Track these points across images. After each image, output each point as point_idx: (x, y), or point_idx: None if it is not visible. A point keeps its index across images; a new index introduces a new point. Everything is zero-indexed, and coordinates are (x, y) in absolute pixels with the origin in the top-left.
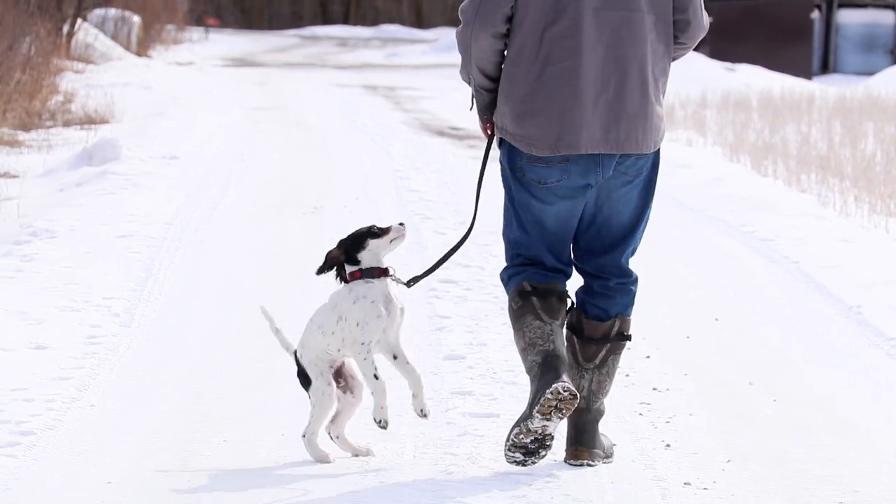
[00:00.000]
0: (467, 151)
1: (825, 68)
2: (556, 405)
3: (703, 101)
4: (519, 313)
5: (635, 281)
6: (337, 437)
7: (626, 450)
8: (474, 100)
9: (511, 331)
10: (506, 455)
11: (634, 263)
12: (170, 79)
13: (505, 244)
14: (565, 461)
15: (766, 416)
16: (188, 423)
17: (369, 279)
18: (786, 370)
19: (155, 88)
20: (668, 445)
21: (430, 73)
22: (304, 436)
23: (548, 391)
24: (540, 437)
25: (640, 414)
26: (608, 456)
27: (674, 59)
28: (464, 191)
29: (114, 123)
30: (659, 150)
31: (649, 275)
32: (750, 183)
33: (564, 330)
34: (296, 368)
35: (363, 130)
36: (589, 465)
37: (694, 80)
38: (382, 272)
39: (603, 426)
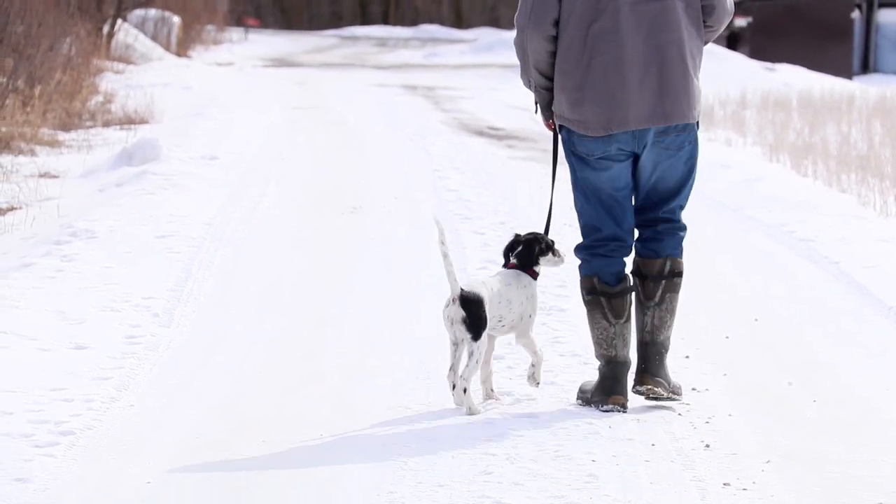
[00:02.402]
0: (506, 151)
1: (865, 68)
2: (611, 412)
3: (742, 101)
4: (589, 306)
5: (683, 227)
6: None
7: (666, 450)
8: (537, 102)
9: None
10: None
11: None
12: (209, 79)
13: (577, 216)
14: (632, 389)
15: (805, 417)
16: (227, 424)
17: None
18: (826, 371)
19: (195, 89)
20: (707, 446)
21: (469, 72)
22: (462, 389)
23: (604, 406)
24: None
25: (680, 414)
26: (674, 392)
27: (705, 42)
28: (503, 191)
29: (153, 124)
30: (697, 125)
31: (688, 274)
32: (790, 183)
33: (630, 277)
34: (461, 314)
35: (402, 130)
36: (652, 391)
37: (733, 80)
38: (536, 275)
39: (643, 425)
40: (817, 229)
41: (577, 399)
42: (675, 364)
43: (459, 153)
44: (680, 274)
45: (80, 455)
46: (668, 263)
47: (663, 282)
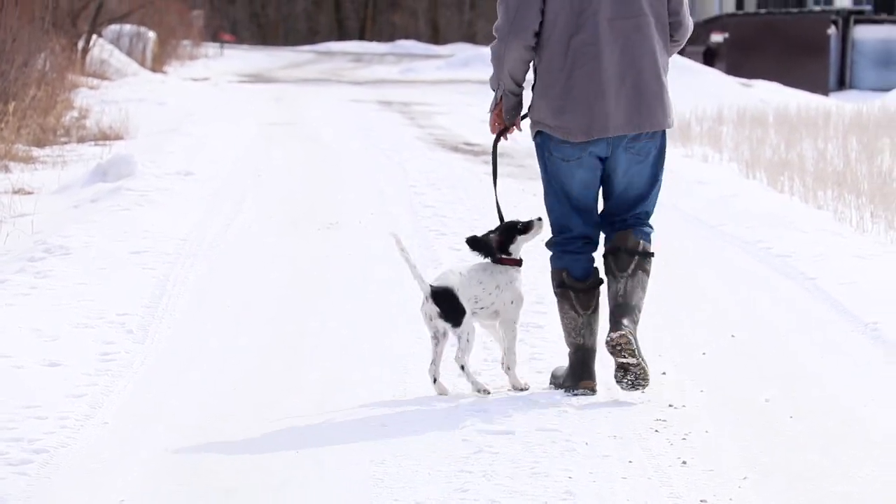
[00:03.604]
0: (482, 167)
1: (842, 84)
2: (580, 395)
3: (719, 117)
4: (559, 297)
5: (651, 227)
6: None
7: (643, 466)
8: (501, 101)
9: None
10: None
11: (652, 276)
12: (185, 94)
13: (547, 213)
14: (605, 342)
15: (783, 433)
16: (202, 441)
17: (517, 267)
18: (803, 386)
19: (170, 104)
20: (684, 462)
21: (445, 88)
22: (462, 367)
23: (575, 390)
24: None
25: (657, 431)
26: (642, 358)
27: (670, 55)
28: (479, 207)
29: (128, 139)
30: (665, 133)
31: (665, 290)
32: (766, 199)
33: (598, 272)
34: (435, 309)
35: (378, 146)
36: (625, 340)
37: (710, 96)
38: (519, 263)
39: (620, 442)
40: (794, 245)
41: (550, 384)
42: (652, 379)
43: (435, 169)
44: (650, 255)
45: (53, 473)
46: (641, 244)
47: (636, 257)
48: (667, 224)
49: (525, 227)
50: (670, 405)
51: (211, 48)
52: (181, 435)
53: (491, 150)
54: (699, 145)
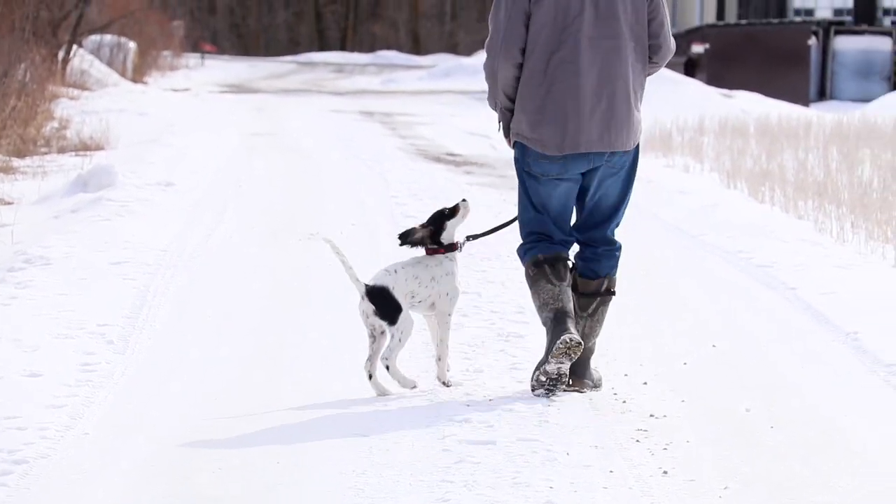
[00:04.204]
0: (464, 178)
1: (822, 95)
2: (566, 351)
3: (700, 128)
4: (534, 279)
5: (619, 248)
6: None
7: (623, 476)
8: (501, 122)
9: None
10: (533, 391)
11: (633, 286)
12: (166, 105)
13: (520, 225)
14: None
15: (763, 443)
16: (183, 452)
17: (450, 254)
18: (783, 396)
19: (151, 115)
20: (665, 472)
21: (426, 99)
22: (385, 366)
23: (559, 341)
24: (555, 376)
25: (637, 441)
26: (597, 386)
27: (649, 75)
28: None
29: (109, 150)
30: (638, 147)
31: (646, 300)
32: (747, 209)
33: (568, 256)
34: (371, 307)
35: (359, 156)
36: (578, 391)
37: (691, 107)
38: (453, 247)
39: (601, 452)
40: (775, 255)
41: (532, 380)
42: (633, 390)
43: (417, 179)
44: (613, 292)
45: (33, 484)
46: (606, 282)
47: (598, 298)
48: (647, 234)
49: (452, 212)
50: (651, 415)
51: (192, 59)
52: (162, 446)
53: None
54: (680, 155)
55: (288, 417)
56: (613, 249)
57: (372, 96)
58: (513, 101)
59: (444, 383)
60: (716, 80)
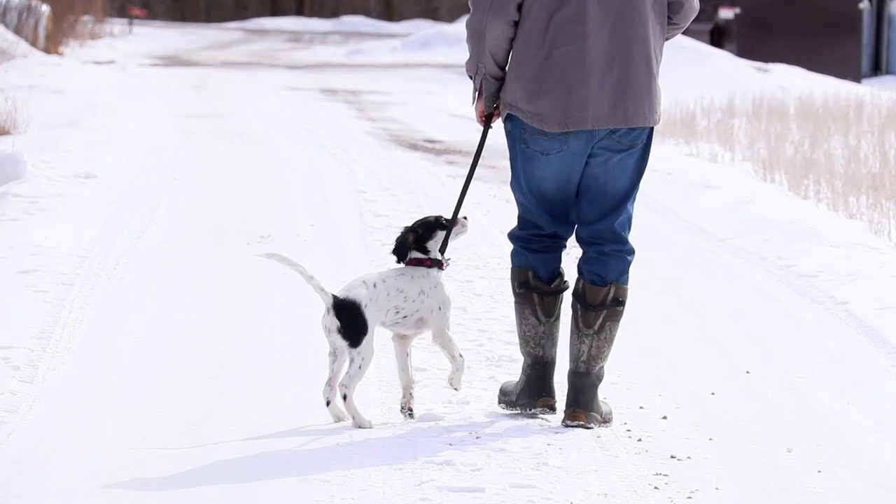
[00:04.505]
0: (446, 168)
1: (877, 69)
2: (539, 415)
3: (730, 109)
4: (520, 303)
5: (631, 251)
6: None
7: None
8: (480, 90)
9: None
10: (498, 403)
11: (649, 300)
12: (86, 81)
13: (517, 204)
14: (563, 423)
15: (808, 490)
16: (102, 499)
17: (438, 269)
18: (833, 435)
19: (68, 92)
20: None
21: (401, 74)
22: (342, 395)
23: (532, 409)
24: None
25: (656, 487)
26: (606, 421)
27: (667, 39)
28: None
29: (16, 135)
30: (652, 129)
31: (666, 316)
32: (787, 207)
33: (571, 298)
34: (336, 323)
35: (321, 143)
36: (584, 426)
37: (719, 83)
38: (438, 264)
39: (611, 502)
40: (821, 263)
41: (500, 403)
42: (650, 426)
43: (390, 171)
44: (623, 302)
45: None
46: (613, 290)
47: (605, 311)
48: (666, 237)
49: (448, 223)
50: (672, 456)
51: (117, 25)
52: (73, 490)
53: (476, 147)
54: (706, 142)
55: (230, 456)
56: (623, 251)
57: (335, 71)
58: (501, 67)
59: (455, 389)
60: (748, 51)
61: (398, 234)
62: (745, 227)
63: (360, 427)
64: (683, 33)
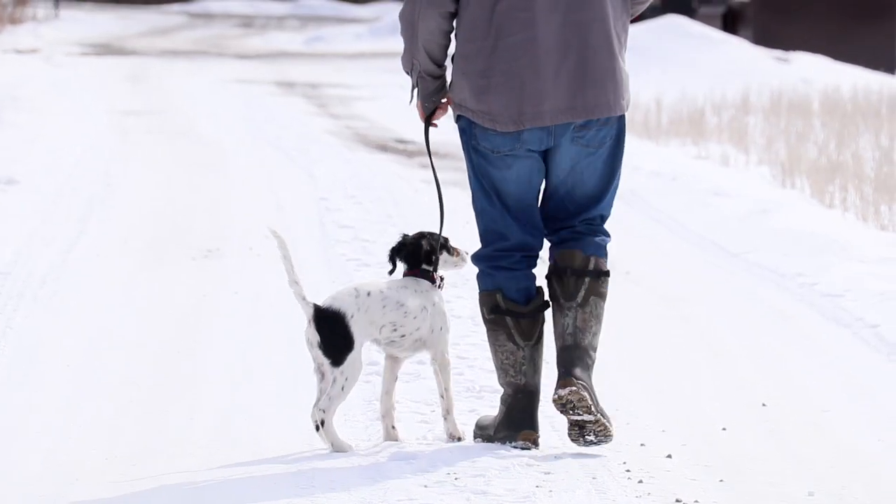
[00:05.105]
0: (419, 173)
1: None
2: (524, 447)
3: (744, 104)
4: (491, 326)
5: (607, 234)
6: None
7: None
8: (416, 90)
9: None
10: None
11: (652, 322)
12: (6, 72)
13: (476, 218)
14: (553, 400)
15: None
16: None
17: (439, 286)
18: (861, 476)
19: None
20: None
21: (367, 64)
22: (320, 420)
23: (513, 443)
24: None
25: None
26: (602, 414)
27: (632, 16)
28: (415, 227)
29: None
30: (623, 118)
31: (671, 342)
32: (809, 216)
33: (543, 293)
34: (317, 337)
35: (276, 144)
36: (578, 394)
37: (733, 75)
38: (438, 281)
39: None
40: (848, 280)
41: (476, 438)
42: (653, 465)
43: (355, 175)
44: (606, 274)
45: None
46: (593, 261)
47: (587, 279)
48: (672, 250)
49: (450, 248)
50: (678, 500)
51: (41, 8)
52: None
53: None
54: (717, 142)
55: (173, 500)
56: (598, 231)
57: (292, 60)
58: (438, 63)
59: (457, 438)
60: (766, 38)
61: (407, 237)
62: (760, 241)
63: (338, 451)
64: (691, 17)
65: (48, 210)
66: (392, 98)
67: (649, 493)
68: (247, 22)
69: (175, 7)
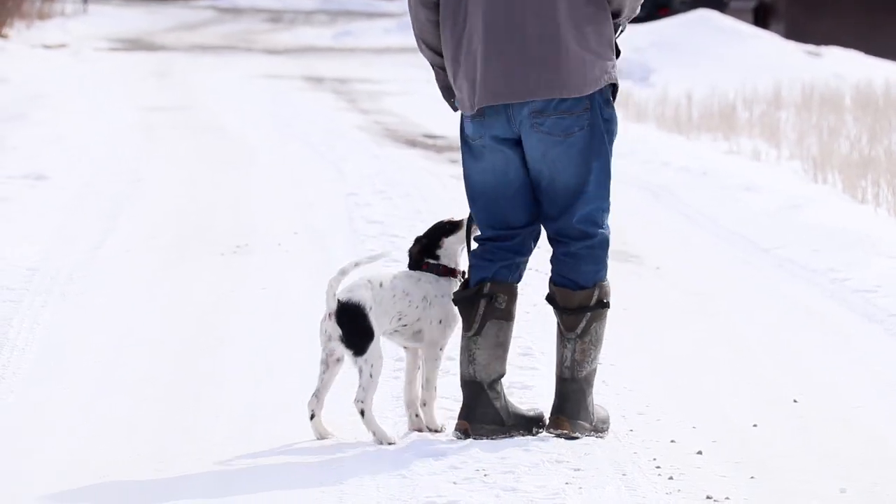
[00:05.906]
0: (448, 168)
1: None
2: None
3: (775, 99)
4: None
5: (604, 242)
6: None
7: None
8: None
9: None
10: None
11: (681, 318)
12: (34, 68)
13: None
14: (546, 431)
15: None
16: None
17: (450, 277)
18: (893, 472)
19: (13, 82)
20: None
21: (395, 59)
22: (360, 412)
23: (457, 433)
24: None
25: None
26: (598, 430)
27: (616, 11)
28: None
29: None
30: (601, 104)
31: (700, 338)
32: (841, 212)
33: (487, 285)
34: (338, 331)
35: (304, 139)
36: (569, 436)
37: (764, 69)
38: (453, 273)
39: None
40: (880, 276)
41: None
42: (683, 462)
43: (383, 170)
44: (608, 303)
45: None
46: (596, 293)
47: (589, 314)
48: (701, 245)
49: (452, 227)
50: (708, 497)
51: (70, 3)
52: None
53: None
54: (748, 137)
55: (203, 495)
56: (593, 245)
57: (321, 55)
58: (435, 52)
59: (435, 430)
60: (797, 32)
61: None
62: (792, 236)
63: (381, 443)
64: (722, 11)
65: (76, 206)
66: (421, 93)
67: (679, 490)
68: (275, 17)
69: (203, 2)
